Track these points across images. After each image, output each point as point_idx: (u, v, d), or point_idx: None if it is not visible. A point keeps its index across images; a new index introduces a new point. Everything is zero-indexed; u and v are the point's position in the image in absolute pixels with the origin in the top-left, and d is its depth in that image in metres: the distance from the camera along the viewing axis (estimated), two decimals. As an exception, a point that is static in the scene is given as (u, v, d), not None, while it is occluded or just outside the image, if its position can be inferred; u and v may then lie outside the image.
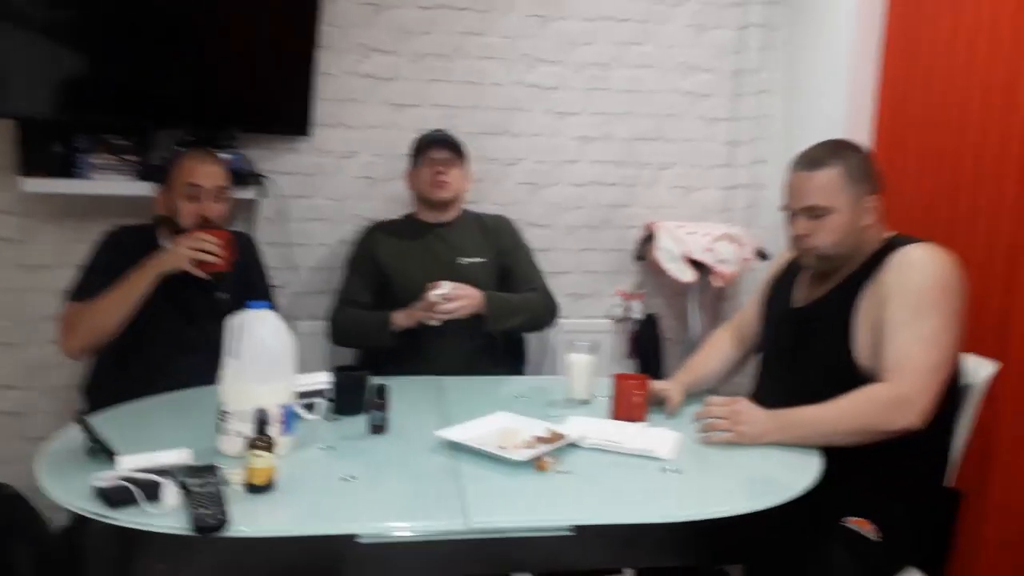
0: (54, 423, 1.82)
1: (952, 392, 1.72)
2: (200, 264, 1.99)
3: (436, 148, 2.43)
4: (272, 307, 2.25)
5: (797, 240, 1.77)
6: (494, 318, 2.31)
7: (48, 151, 2.49)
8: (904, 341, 1.61)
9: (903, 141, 2.43)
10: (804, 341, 1.80)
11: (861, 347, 1.69)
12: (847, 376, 1.67)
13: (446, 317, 2.21)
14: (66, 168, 2.50)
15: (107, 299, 2.00)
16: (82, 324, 2.03)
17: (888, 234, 1.78)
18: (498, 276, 2.46)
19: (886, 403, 1.59)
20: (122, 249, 2.12)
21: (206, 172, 2.13)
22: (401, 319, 2.28)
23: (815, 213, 1.71)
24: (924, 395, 1.59)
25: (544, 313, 2.47)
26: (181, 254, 1.98)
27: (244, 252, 2.26)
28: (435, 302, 2.20)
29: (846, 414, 1.62)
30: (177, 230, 2.10)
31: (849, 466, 1.63)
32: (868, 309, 1.68)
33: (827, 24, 2.79)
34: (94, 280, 2.07)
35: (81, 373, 2.23)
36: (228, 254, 2.03)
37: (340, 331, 2.42)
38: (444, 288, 2.20)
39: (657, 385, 1.87)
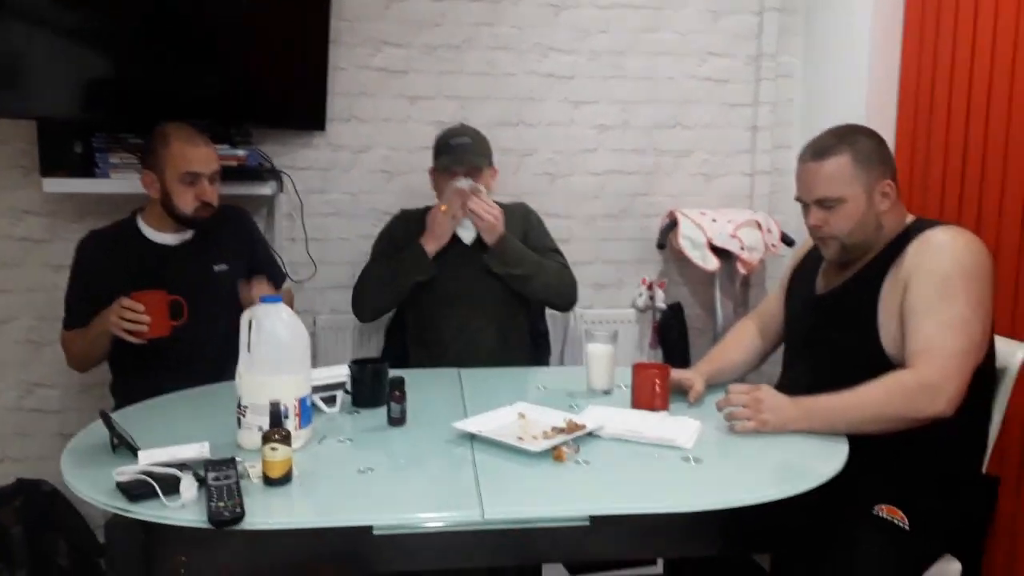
0: (88, 420, 1.84)
1: (986, 377, 1.68)
2: (130, 332, 1.89)
3: (457, 164, 2.30)
4: (279, 277, 2.32)
5: (813, 230, 1.75)
6: (501, 254, 2.26)
7: (68, 151, 2.52)
8: (929, 326, 1.57)
9: (927, 125, 2.38)
10: (828, 328, 1.76)
11: (886, 333, 1.65)
12: (873, 363, 1.64)
13: (465, 214, 2.24)
14: (87, 167, 2.52)
15: (80, 344, 2.09)
16: (71, 352, 2.15)
17: (910, 218, 1.74)
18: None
19: (912, 390, 1.55)
20: (90, 262, 2.14)
21: (203, 157, 2.10)
22: (431, 241, 2.26)
23: (827, 204, 1.68)
24: (951, 381, 1.55)
25: (558, 283, 2.34)
26: (112, 322, 1.89)
27: (240, 227, 2.29)
28: (463, 190, 2.22)
29: (871, 401, 1.58)
30: (177, 216, 2.10)
31: (880, 453, 1.60)
32: (891, 294, 1.65)
33: (846, 7, 2.74)
34: (74, 306, 2.14)
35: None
36: (160, 316, 1.91)
37: (373, 283, 2.32)
38: (467, 183, 2.24)
39: (679, 374, 1.84)
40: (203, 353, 2.06)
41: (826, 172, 1.67)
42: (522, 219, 2.44)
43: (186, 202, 2.09)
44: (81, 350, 2.11)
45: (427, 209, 2.43)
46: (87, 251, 2.16)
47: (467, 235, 2.33)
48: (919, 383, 1.55)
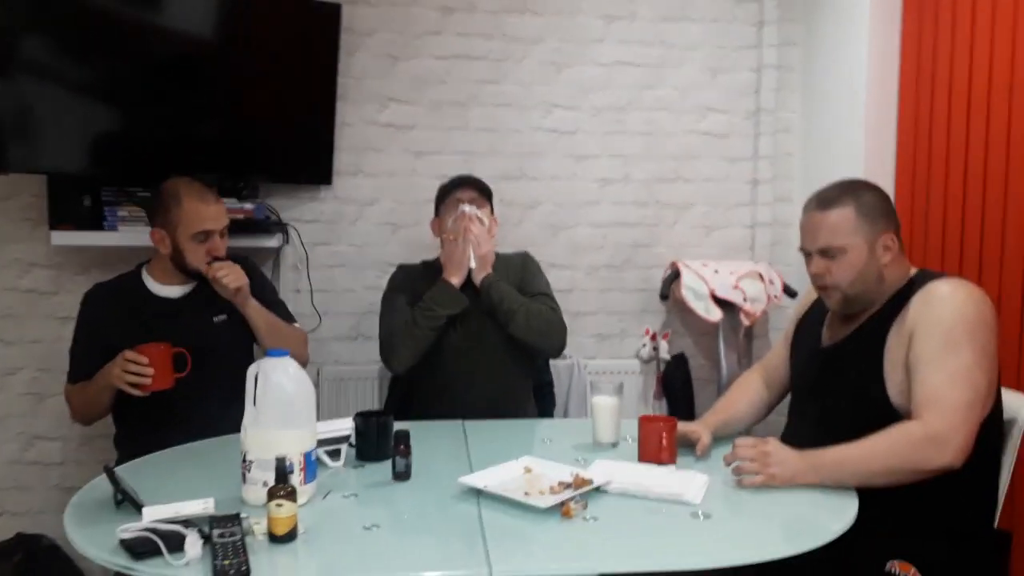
0: (89, 473, 1.82)
1: (994, 428, 1.67)
2: (134, 385, 1.92)
3: (468, 181, 2.39)
4: (287, 318, 2.31)
5: (815, 279, 1.76)
6: (487, 288, 2.25)
7: (77, 204, 2.56)
8: (935, 378, 1.57)
9: (925, 178, 2.41)
10: (833, 380, 1.76)
11: (892, 385, 1.65)
12: (879, 414, 1.63)
13: (469, 236, 2.25)
14: (95, 220, 2.56)
15: (83, 397, 2.10)
16: (74, 405, 2.16)
17: (914, 271, 1.76)
18: None
19: (920, 442, 1.55)
20: (95, 315, 2.15)
21: (215, 215, 2.12)
22: (453, 274, 2.27)
23: (829, 253, 1.70)
24: (958, 433, 1.54)
25: (540, 323, 2.26)
26: (116, 375, 1.92)
27: (245, 270, 2.25)
28: (467, 214, 2.25)
29: (879, 453, 1.57)
30: (187, 271, 2.12)
31: (891, 508, 1.59)
32: (896, 346, 1.65)
33: (842, 63, 2.79)
34: (78, 360, 2.15)
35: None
36: (163, 368, 1.93)
37: (406, 329, 2.23)
38: (473, 208, 2.27)
39: (685, 427, 1.84)
40: (205, 404, 2.04)
41: (830, 222, 1.69)
42: (520, 266, 2.44)
43: (198, 259, 2.10)
44: (84, 403, 2.11)
45: (423, 264, 2.46)
46: (92, 304, 2.18)
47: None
48: (926, 435, 1.55)
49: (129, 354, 1.90)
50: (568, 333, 2.34)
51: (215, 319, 2.17)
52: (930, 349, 1.59)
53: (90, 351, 2.10)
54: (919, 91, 2.45)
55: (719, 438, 1.85)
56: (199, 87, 2.61)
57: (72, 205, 2.55)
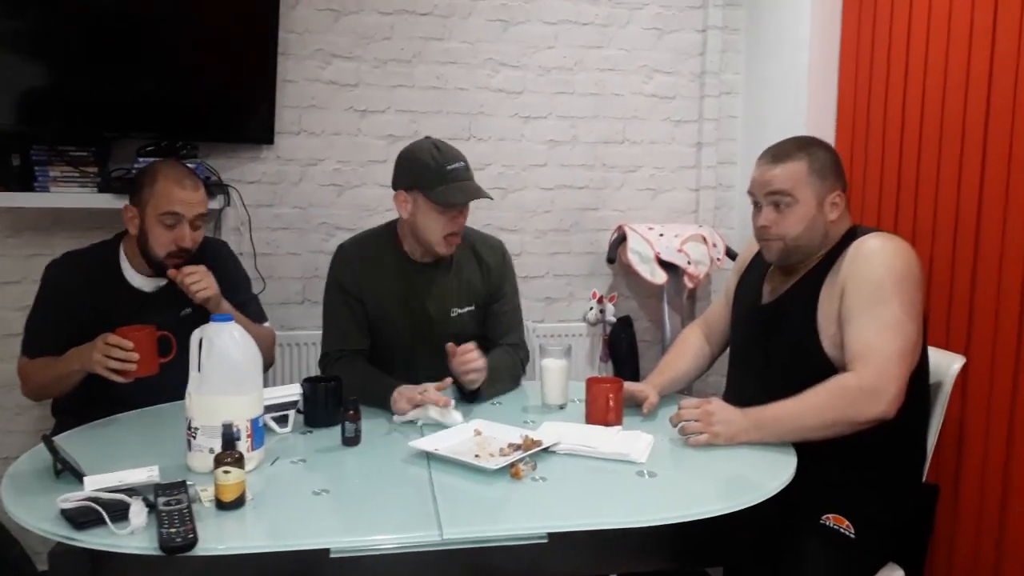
0: (24, 443, 1.76)
1: (921, 384, 1.74)
2: (116, 372, 1.76)
3: (467, 197, 2.00)
4: (258, 316, 2.22)
5: (761, 231, 1.79)
6: (488, 389, 2.01)
7: (6, 164, 2.44)
8: (866, 331, 1.63)
9: (864, 138, 2.47)
10: (772, 336, 1.81)
11: (826, 338, 1.70)
12: (816, 368, 1.69)
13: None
14: (25, 181, 2.45)
15: (46, 375, 1.95)
16: (31, 382, 2.01)
17: (848, 225, 1.80)
18: (479, 322, 2.17)
19: (855, 394, 1.60)
20: (64, 289, 2.01)
21: (186, 200, 1.96)
22: (402, 405, 1.85)
23: (779, 201, 1.73)
24: (892, 383, 1.60)
25: (521, 373, 2.17)
26: (96, 360, 1.76)
27: (218, 261, 2.14)
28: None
29: (817, 407, 1.62)
30: (148, 256, 1.99)
31: (826, 463, 1.64)
32: (829, 300, 1.70)
33: (785, 26, 2.83)
34: (39, 332, 2.01)
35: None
36: (149, 354, 1.79)
37: (347, 380, 1.90)
38: (458, 418, 1.81)
39: (632, 387, 1.87)
40: (157, 399, 1.93)
41: (782, 172, 1.73)
42: (496, 272, 2.18)
43: (161, 244, 1.96)
44: (45, 382, 1.97)
45: (388, 249, 2.11)
46: (61, 276, 2.03)
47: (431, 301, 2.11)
48: (860, 387, 1.60)
49: (112, 338, 1.75)
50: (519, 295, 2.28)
51: (181, 313, 2.04)
52: (860, 303, 1.64)
53: (53, 326, 1.97)
54: (859, 54, 2.49)
55: (665, 397, 1.90)
56: (135, 42, 2.50)
57: (0, 166, 2.43)
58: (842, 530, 1.63)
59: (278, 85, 2.69)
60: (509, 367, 2.10)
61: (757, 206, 1.79)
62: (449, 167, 1.98)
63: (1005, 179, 1.97)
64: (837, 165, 1.77)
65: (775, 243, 1.77)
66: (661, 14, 3.03)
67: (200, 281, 1.95)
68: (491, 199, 2.06)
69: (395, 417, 1.85)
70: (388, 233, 2.14)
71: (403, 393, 1.86)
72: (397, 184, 2.05)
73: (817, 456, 1.62)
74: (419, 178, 1.99)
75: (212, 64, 2.60)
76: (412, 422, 1.82)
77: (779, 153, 1.76)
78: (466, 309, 2.14)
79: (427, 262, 2.11)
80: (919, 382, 1.72)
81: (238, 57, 2.62)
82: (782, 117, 2.82)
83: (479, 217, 2.87)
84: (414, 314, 2.10)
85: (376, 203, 2.70)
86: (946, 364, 1.82)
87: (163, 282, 2.04)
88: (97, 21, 2.45)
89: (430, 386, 1.85)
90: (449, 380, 1.91)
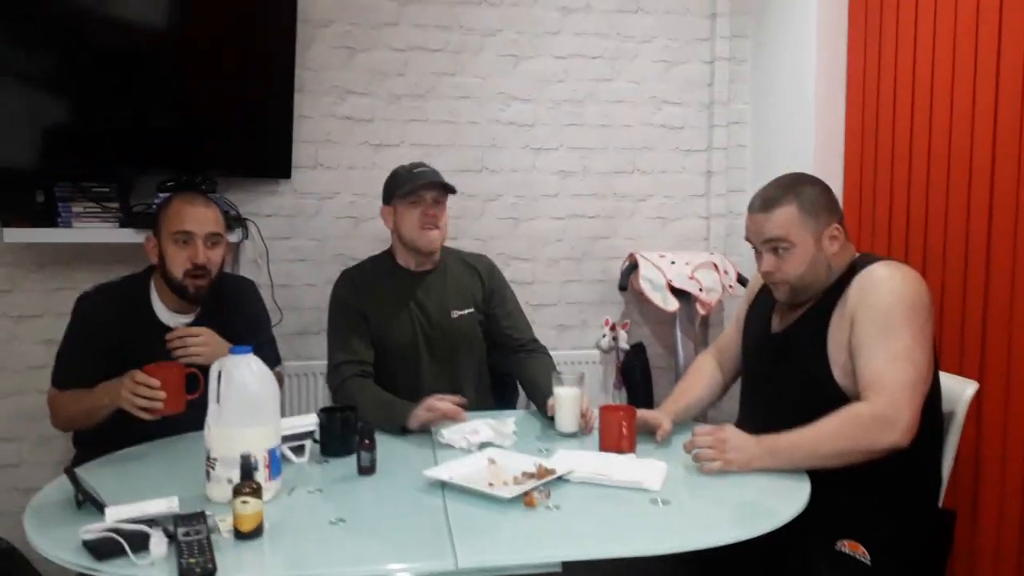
0: (47, 474, 1.78)
1: (935, 411, 1.74)
2: (144, 409, 1.76)
3: (429, 188, 2.18)
4: (274, 361, 2.19)
5: (766, 276, 1.81)
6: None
7: (30, 200, 2.50)
8: (877, 360, 1.63)
9: (873, 164, 2.49)
10: (783, 366, 1.82)
11: (837, 367, 1.71)
12: (828, 397, 1.69)
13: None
14: (48, 217, 2.50)
15: (75, 408, 1.96)
16: (60, 413, 2.03)
17: (855, 255, 1.81)
18: (480, 324, 2.30)
19: (868, 422, 1.61)
20: (95, 322, 2.02)
21: (196, 217, 2.01)
22: (416, 423, 1.94)
23: (777, 247, 1.75)
24: (905, 412, 1.60)
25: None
26: (124, 398, 1.76)
27: (241, 298, 2.18)
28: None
29: (831, 436, 1.63)
30: (169, 280, 2.01)
31: (839, 489, 1.64)
32: (839, 330, 1.71)
33: (791, 55, 2.86)
34: (69, 364, 2.03)
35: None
36: (176, 392, 1.78)
37: (354, 403, 1.99)
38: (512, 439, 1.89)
39: (646, 415, 1.88)
40: (179, 425, 1.92)
41: (774, 222, 1.74)
42: (487, 274, 2.34)
43: (177, 263, 1.98)
44: (75, 415, 1.98)
45: (371, 261, 2.31)
46: (93, 309, 2.04)
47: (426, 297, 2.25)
48: (872, 416, 1.61)
49: (140, 376, 1.75)
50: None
51: None
52: (871, 332, 1.65)
53: (84, 358, 1.99)
54: (866, 81, 2.52)
55: (679, 424, 1.90)
56: (154, 79, 2.57)
57: (24, 201, 2.49)
58: (858, 556, 1.62)
59: (295, 121, 2.75)
60: (545, 376, 2.11)
61: (757, 252, 1.81)
62: (416, 170, 2.23)
63: (1014, 204, 1.98)
64: (828, 199, 1.78)
65: (782, 286, 1.78)
66: (669, 46, 3.08)
67: (192, 347, 1.95)
68: (454, 191, 2.23)
69: (443, 436, 1.87)
70: (386, 253, 2.32)
71: (415, 416, 1.94)
72: (383, 204, 2.27)
73: (830, 482, 1.62)
74: (394, 188, 2.22)
75: (231, 101, 2.66)
76: (450, 446, 1.85)
77: (767, 200, 1.76)
78: (466, 311, 2.27)
79: (422, 271, 2.26)
80: (932, 408, 1.72)
81: (256, 94, 2.68)
82: (790, 145, 2.84)
83: (493, 247, 2.92)
84: (416, 319, 2.22)
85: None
86: (960, 390, 1.82)
87: (190, 318, 2.07)
88: (115, 58, 2.51)
89: (448, 398, 1.97)
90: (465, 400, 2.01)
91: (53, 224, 2.50)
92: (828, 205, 1.77)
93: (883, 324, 1.64)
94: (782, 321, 1.87)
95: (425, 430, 1.96)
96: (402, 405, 1.98)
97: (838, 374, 1.70)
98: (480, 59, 2.95)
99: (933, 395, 1.72)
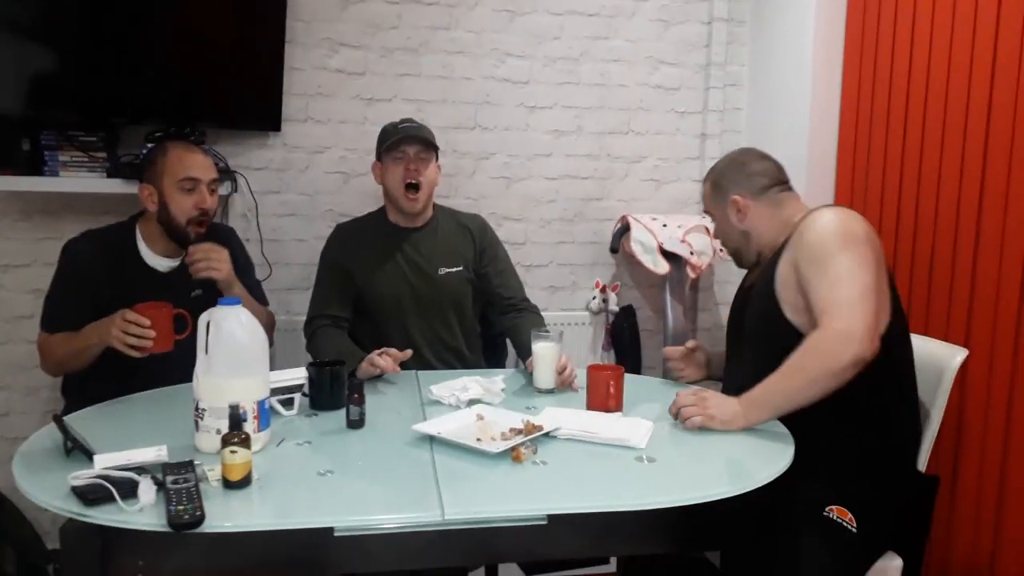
0: (35, 423, 1.79)
1: (906, 364, 1.77)
2: (133, 347, 1.81)
3: (408, 142, 2.22)
4: (261, 300, 2.27)
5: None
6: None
7: (16, 148, 2.46)
8: (821, 288, 1.66)
9: (868, 129, 2.48)
10: (743, 314, 1.90)
11: (787, 306, 1.75)
12: (781, 336, 1.73)
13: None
14: (35, 166, 2.47)
15: (64, 349, 2.00)
16: (50, 356, 2.06)
17: (808, 210, 1.84)
18: (470, 283, 2.35)
19: (826, 344, 1.62)
20: (83, 266, 2.06)
21: (200, 163, 2.06)
22: (361, 374, 1.98)
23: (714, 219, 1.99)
24: (857, 322, 1.61)
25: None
26: (114, 335, 1.80)
27: (227, 247, 2.17)
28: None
29: (797, 368, 1.65)
30: (172, 226, 2.05)
31: (825, 454, 1.68)
32: (786, 270, 1.75)
33: (789, 18, 2.83)
34: (58, 308, 2.06)
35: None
36: (165, 330, 1.82)
37: (316, 351, 2.16)
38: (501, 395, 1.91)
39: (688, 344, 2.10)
40: (167, 375, 1.96)
41: (704, 197, 2.00)
42: (479, 234, 2.38)
43: (184, 209, 2.04)
44: (65, 357, 2.02)
45: (374, 221, 2.36)
46: (80, 254, 2.07)
47: (414, 253, 2.30)
48: (827, 336, 1.62)
49: (130, 315, 1.80)
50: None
51: (192, 294, 2.09)
52: (812, 266, 1.69)
53: (73, 302, 2.02)
54: (864, 45, 2.50)
55: (702, 379, 2.09)
56: (144, 28, 2.52)
57: (10, 149, 2.45)
58: (845, 523, 1.65)
59: (285, 73, 2.70)
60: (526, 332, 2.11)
61: None
62: (401, 124, 2.27)
63: (1006, 173, 1.98)
64: (733, 174, 1.91)
65: (726, 251, 2.01)
66: (667, 5, 3.03)
67: (203, 261, 2.02)
68: (436, 147, 2.27)
69: (432, 392, 1.89)
70: (379, 210, 2.37)
71: (366, 360, 1.97)
72: (375, 159, 2.32)
73: (817, 447, 1.65)
74: (381, 144, 2.27)
75: (220, 51, 2.61)
76: (439, 401, 1.87)
77: (705, 177, 2.00)
78: (455, 269, 2.31)
79: (412, 227, 2.31)
80: (902, 360, 1.75)
81: (246, 45, 2.64)
82: (786, 109, 2.82)
83: (486, 206, 2.91)
84: (404, 275, 2.27)
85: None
86: (948, 356, 1.83)
87: (177, 262, 2.11)
88: (105, 7, 2.46)
89: (391, 351, 1.98)
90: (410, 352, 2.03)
91: (39, 173, 2.47)
92: (734, 178, 1.91)
93: (819, 255, 1.68)
94: (748, 277, 1.98)
95: (414, 385, 1.99)
96: (353, 356, 2.01)
97: (788, 312, 1.75)
98: (475, 14, 2.90)
99: (902, 346, 1.75)
